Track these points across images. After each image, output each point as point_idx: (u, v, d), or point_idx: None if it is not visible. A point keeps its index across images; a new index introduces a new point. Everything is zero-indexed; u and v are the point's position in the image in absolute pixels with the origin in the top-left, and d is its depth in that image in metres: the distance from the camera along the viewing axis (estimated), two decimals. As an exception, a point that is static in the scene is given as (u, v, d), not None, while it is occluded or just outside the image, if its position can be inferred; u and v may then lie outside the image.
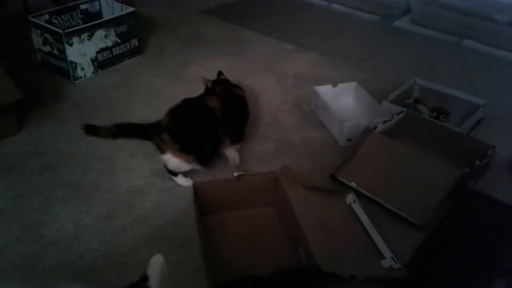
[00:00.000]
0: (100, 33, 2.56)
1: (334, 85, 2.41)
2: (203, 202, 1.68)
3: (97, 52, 2.59)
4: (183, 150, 1.76)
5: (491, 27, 3.11)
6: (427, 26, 3.37)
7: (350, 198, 1.79)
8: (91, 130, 1.74)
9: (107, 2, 2.83)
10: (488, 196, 1.88)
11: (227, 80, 2.16)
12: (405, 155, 1.92)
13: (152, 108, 2.33)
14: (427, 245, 1.67)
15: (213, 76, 2.19)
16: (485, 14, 3.19)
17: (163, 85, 2.56)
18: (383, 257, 1.57)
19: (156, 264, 1.06)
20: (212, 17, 3.44)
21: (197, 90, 2.49)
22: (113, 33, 2.62)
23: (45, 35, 2.51)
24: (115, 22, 2.62)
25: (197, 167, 1.82)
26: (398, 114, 2.14)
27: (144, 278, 1.03)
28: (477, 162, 1.85)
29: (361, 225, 1.70)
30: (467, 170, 1.79)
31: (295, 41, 3.12)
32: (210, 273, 1.42)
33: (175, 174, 1.85)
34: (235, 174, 1.73)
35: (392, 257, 1.56)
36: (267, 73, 2.74)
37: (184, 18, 3.40)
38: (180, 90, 2.51)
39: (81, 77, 2.56)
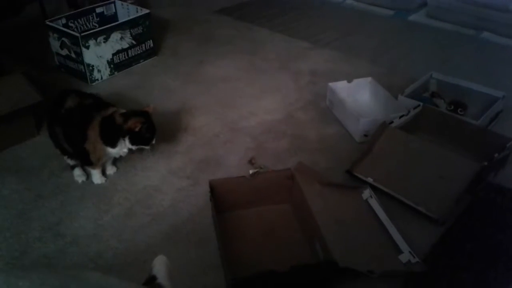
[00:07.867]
0: (116, 35, 2.59)
1: (349, 81, 2.40)
2: (219, 199, 1.69)
3: (113, 54, 2.62)
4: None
5: (508, 19, 3.06)
6: (444, 19, 3.33)
7: (366, 193, 1.78)
8: None
9: (122, 4, 2.87)
10: (508, 189, 1.85)
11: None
12: (422, 149, 1.90)
13: (167, 108, 2.35)
14: (445, 239, 1.65)
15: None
16: (502, 6, 3.13)
17: (178, 86, 2.58)
18: (401, 252, 1.56)
19: (160, 264, 1.06)
20: (226, 17, 3.45)
21: (211, 90, 2.53)
22: (128, 35, 2.65)
23: (63, 38, 2.56)
24: (130, 24, 2.65)
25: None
26: (414, 108, 2.11)
27: (152, 278, 1.03)
28: (496, 155, 1.82)
29: (378, 220, 1.68)
30: (486, 163, 1.77)
31: (309, 38, 3.11)
32: (227, 270, 1.43)
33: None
34: (250, 171, 1.73)
35: (410, 252, 1.55)
36: (282, 70, 2.74)
37: (198, 18, 3.42)
38: (194, 90, 2.53)
39: (98, 79, 2.60)
